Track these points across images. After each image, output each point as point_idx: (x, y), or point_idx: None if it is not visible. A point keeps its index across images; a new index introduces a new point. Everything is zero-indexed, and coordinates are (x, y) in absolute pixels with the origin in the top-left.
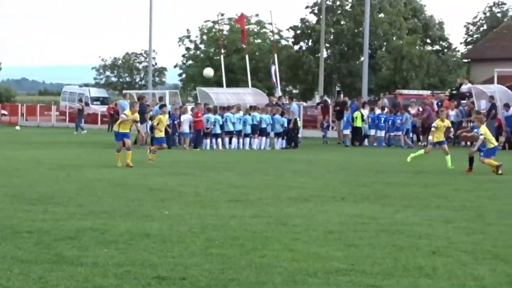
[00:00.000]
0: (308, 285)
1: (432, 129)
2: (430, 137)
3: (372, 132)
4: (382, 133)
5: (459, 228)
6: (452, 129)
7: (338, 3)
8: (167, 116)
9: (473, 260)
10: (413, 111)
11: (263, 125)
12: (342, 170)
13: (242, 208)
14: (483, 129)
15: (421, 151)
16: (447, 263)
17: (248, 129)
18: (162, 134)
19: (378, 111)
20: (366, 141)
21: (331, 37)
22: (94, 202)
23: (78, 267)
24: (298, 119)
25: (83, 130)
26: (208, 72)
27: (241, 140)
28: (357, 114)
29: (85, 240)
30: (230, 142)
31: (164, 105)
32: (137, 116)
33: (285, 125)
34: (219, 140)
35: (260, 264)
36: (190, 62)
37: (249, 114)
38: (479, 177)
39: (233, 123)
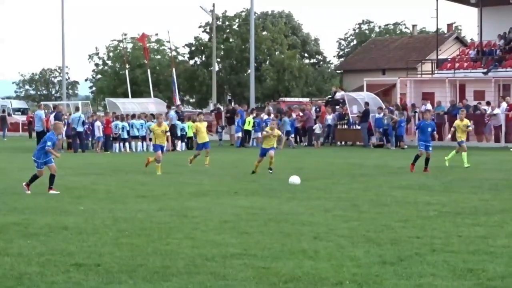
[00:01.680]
0: (207, 268)
1: (452, 129)
2: (449, 136)
3: (259, 134)
4: None
5: (337, 216)
6: (470, 127)
7: (227, 23)
8: None
9: (349, 243)
10: (295, 115)
11: None
12: (234, 168)
13: (148, 202)
14: None
15: (453, 152)
16: (327, 246)
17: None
18: None
19: (265, 116)
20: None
21: (222, 53)
22: (17, 200)
23: (5, 257)
24: (176, 124)
25: (4, 138)
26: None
27: (145, 144)
28: (249, 119)
29: (10, 233)
30: (136, 146)
31: None
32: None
33: (186, 130)
34: (127, 144)
35: (165, 251)
36: (99, 76)
37: (152, 121)
38: (354, 171)
39: (138, 129)
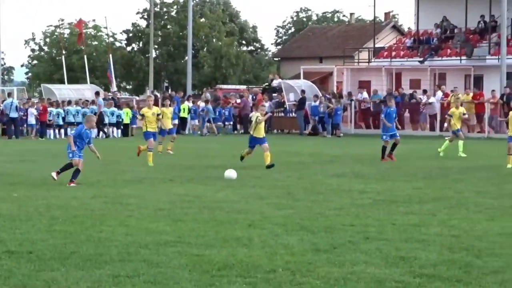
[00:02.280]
0: (140, 255)
1: (447, 117)
2: (445, 125)
3: (196, 122)
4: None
5: (271, 204)
6: (466, 115)
7: (165, 9)
8: None
9: (283, 231)
10: (232, 102)
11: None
12: (169, 155)
13: (82, 190)
14: None
15: (447, 142)
16: (261, 234)
17: None
18: None
19: (202, 104)
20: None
21: (159, 40)
22: None
23: None
24: (104, 112)
25: None
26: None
27: None
28: (184, 106)
29: None
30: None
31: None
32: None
33: (123, 116)
34: (62, 130)
35: (99, 239)
36: (35, 61)
37: (88, 107)
38: (289, 160)
39: (74, 115)
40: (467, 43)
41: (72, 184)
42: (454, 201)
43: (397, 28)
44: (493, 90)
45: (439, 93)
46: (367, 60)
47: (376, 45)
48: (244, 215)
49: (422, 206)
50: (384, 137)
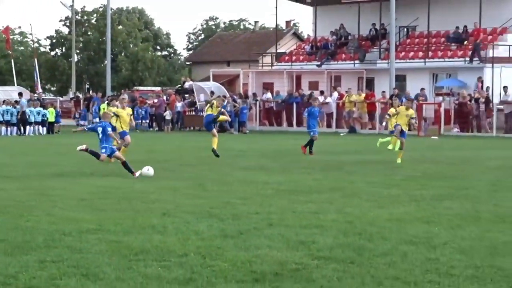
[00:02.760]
0: (64, 242)
1: (387, 117)
2: (384, 123)
3: None
4: None
5: (184, 194)
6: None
7: (85, 17)
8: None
9: (194, 219)
10: (150, 102)
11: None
12: None
13: (10, 182)
14: None
15: (389, 138)
16: (174, 222)
17: (15, 120)
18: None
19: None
20: None
21: (81, 45)
22: None
23: None
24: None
25: None
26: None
27: (9, 129)
28: (104, 105)
29: None
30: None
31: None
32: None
33: (47, 115)
34: None
35: (25, 227)
36: None
37: (15, 107)
38: (200, 154)
39: (2, 114)
40: (360, 48)
41: (137, 174)
42: (349, 191)
43: (297, 35)
44: (383, 91)
45: (335, 94)
46: (270, 64)
47: (278, 51)
48: (159, 205)
49: (320, 196)
50: (312, 133)
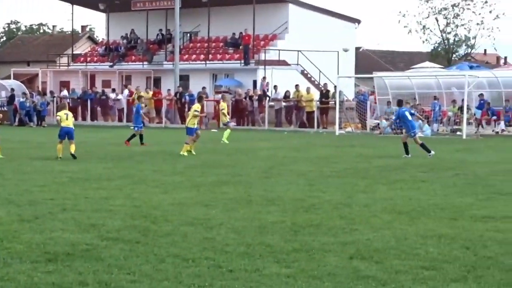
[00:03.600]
0: None
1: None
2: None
3: None
4: None
5: None
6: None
7: None
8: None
9: None
10: None
11: None
12: None
13: None
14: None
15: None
16: None
17: None
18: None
19: None
20: None
21: None
22: None
23: None
24: None
25: None
26: None
27: None
28: None
29: None
30: None
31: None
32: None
33: None
34: None
35: None
36: None
37: None
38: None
39: None
40: (148, 51)
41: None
42: (137, 178)
43: (92, 39)
44: (168, 89)
45: (126, 91)
46: (67, 64)
47: (74, 52)
48: None
49: (111, 183)
50: (137, 128)
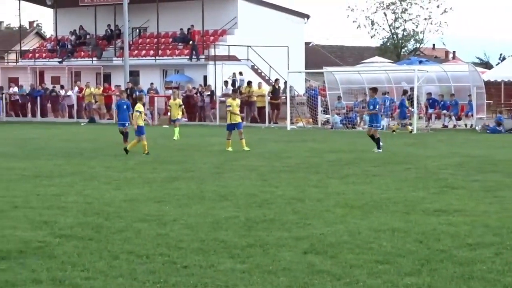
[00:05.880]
0: None
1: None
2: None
3: None
4: None
5: None
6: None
7: None
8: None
9: None
10: None
11: None
12: None
13: None
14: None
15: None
16: None
17: None
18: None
19: None
20: None
21: None
22: None
23: None
24: None
25: None
26: None
27: None
28: None
29: None
30: None
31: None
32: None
33: None
34: None
35: None
36: None
37: None
38: None
39: None
40: (97, 47)
41: None
42: (88, 175)
43: (40, 34)
44: (118, 85)
45: (76, 88)
46: (15, 61)
47: (22, 48)
48: None
49: (62, 179)
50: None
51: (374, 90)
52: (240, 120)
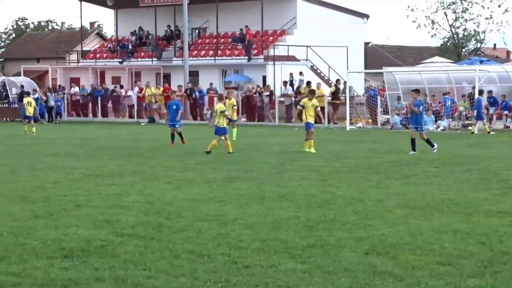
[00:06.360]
0: None
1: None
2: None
3: None
4: None
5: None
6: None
7: None
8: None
9: (8, 202)
10: None
11: None
12: None
13: None
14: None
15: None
16: None
17: None
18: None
19: None
20: None
21: None
22: None
23: None
24: None
25: None
26: None
27: None
28: None
29: None
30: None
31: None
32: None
33: None
34: None
35: None
36: None
37: None
38: (11, 142)
39: None
40: (157, 47)
41: None
42: (148, 174)
43: (100, 35)
44: (179, 85)
45: (136, 88)
46: (76, 61)
47: (84, 49)
48: None
49: (123, 179)
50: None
51: (416, 91)
52: (312, 121)
